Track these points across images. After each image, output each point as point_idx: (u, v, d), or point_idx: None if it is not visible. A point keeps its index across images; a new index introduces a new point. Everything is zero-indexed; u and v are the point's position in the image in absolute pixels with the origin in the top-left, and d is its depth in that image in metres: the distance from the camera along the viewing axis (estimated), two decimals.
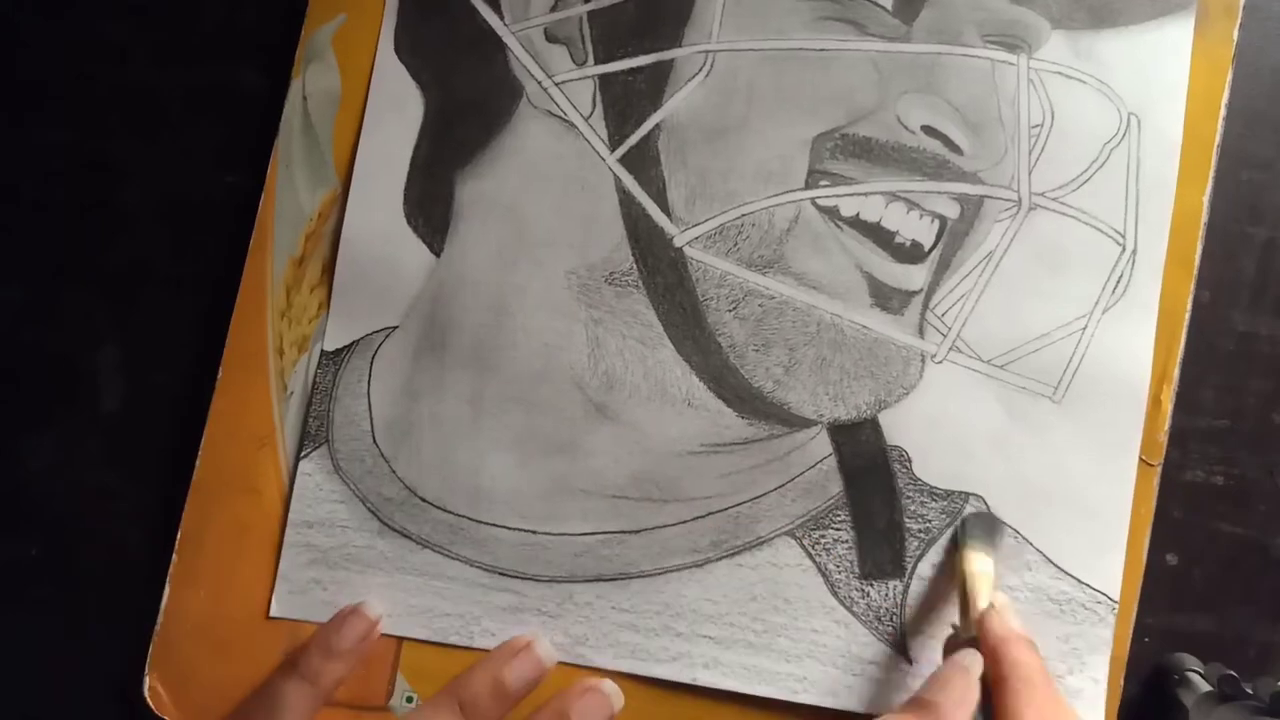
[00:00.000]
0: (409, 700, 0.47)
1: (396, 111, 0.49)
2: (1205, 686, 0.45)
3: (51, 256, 0.51)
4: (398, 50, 0.49)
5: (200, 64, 0.51)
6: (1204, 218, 0.48)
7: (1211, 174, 0.48)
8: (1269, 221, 0.50)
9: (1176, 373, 0.47)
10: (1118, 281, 0.48)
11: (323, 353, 0.49)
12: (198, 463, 0.48)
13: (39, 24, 0.52)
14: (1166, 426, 0.47)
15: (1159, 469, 0.47)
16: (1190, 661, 0.47)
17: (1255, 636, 0.48)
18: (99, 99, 0.52)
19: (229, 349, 0.49)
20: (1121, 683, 0.46)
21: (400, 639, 0.47)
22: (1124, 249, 0.48)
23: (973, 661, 0.41)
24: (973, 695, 0.40)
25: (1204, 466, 0.49)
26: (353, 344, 0.49)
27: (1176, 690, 0.46)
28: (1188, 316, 0.47)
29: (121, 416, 0.50)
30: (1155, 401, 0.47)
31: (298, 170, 0.49)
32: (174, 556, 0.48)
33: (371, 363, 0.49)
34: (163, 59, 0.51)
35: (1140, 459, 0.47)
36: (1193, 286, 0.47)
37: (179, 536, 0.48)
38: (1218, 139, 0.48)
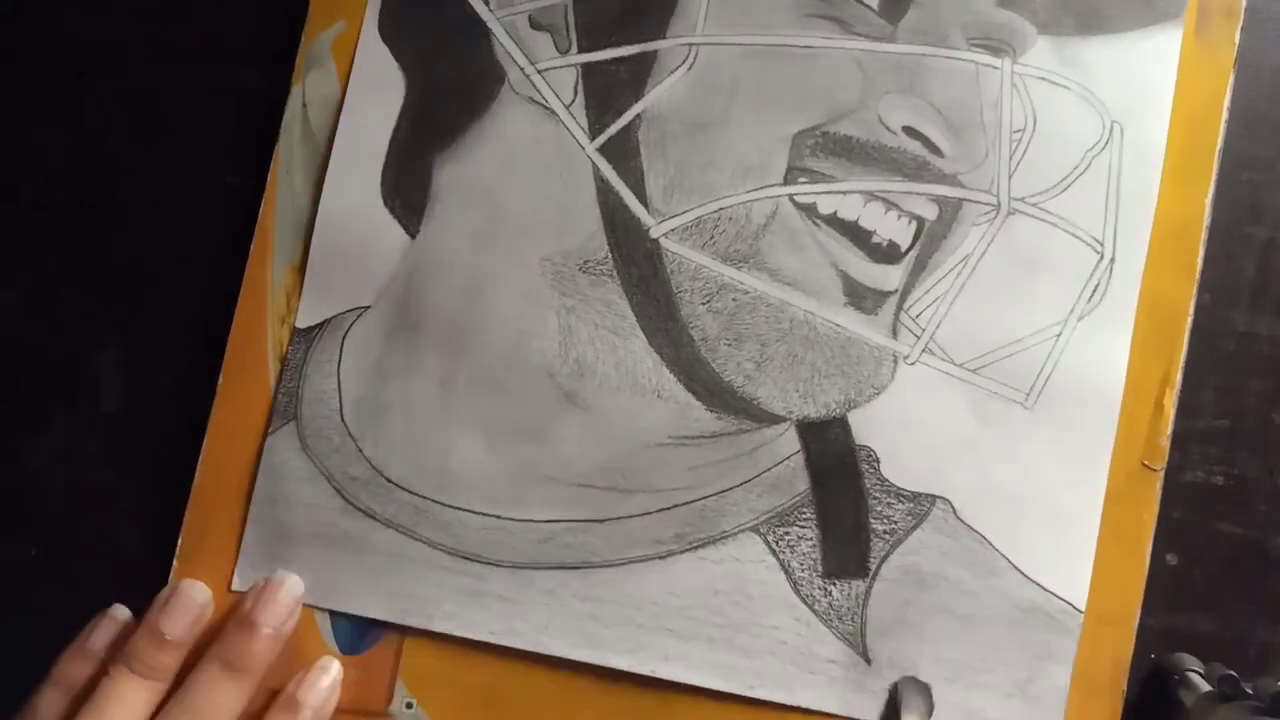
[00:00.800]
0: (409, 706, 0.47)
1: (378, 93, 0.49)
2: (1205, 686, 0.45)
3: (51, 256, 0.51)
4: (381, 32, 0.49)
5: (200, 64, 0.51)
6: (1206, 220, 0.47)
7: (1214, 177, 0.48)
8: (1269, 221, 0.49)
9: (1179, 377, 0.47)
10: (1094, 290, 0.47)
11: (294, 330, 0.49)
12: (198, 468, 0.48)
13: (39, 24, 0.52)
14: (1169, 431, 0.47)
15: (1161, 473, 0.46)
16: (1190, 661, 0.47)
17: (1255, 636, 0.48)
18: (99, 99, 0.52)
19: (229, 355, 0.49)
20: (1124, 687, 0.46)
21: (401, 643, 0.47)
22: (1102, 257, 0.47)
23: None
24: None
25: (1204, 467, 0.48)
26: (324, 322, 0.49)
27: (1177, 690, 0.46)
28: (1190, 321, 0.47)
29: (121, 416, 0.50)
30: (1157, 405, 0.47)
31: (298, 176, 0.49)
32: (174, 564, 0.48)
33: (342, 342, 0.49)
34: (163, 59, 0.52)
35: (1142, 463, 0.46)
36: (1195, 291, 0.47)
37: (179, 544, 0.48)
38: (1219, 142, 0.48)
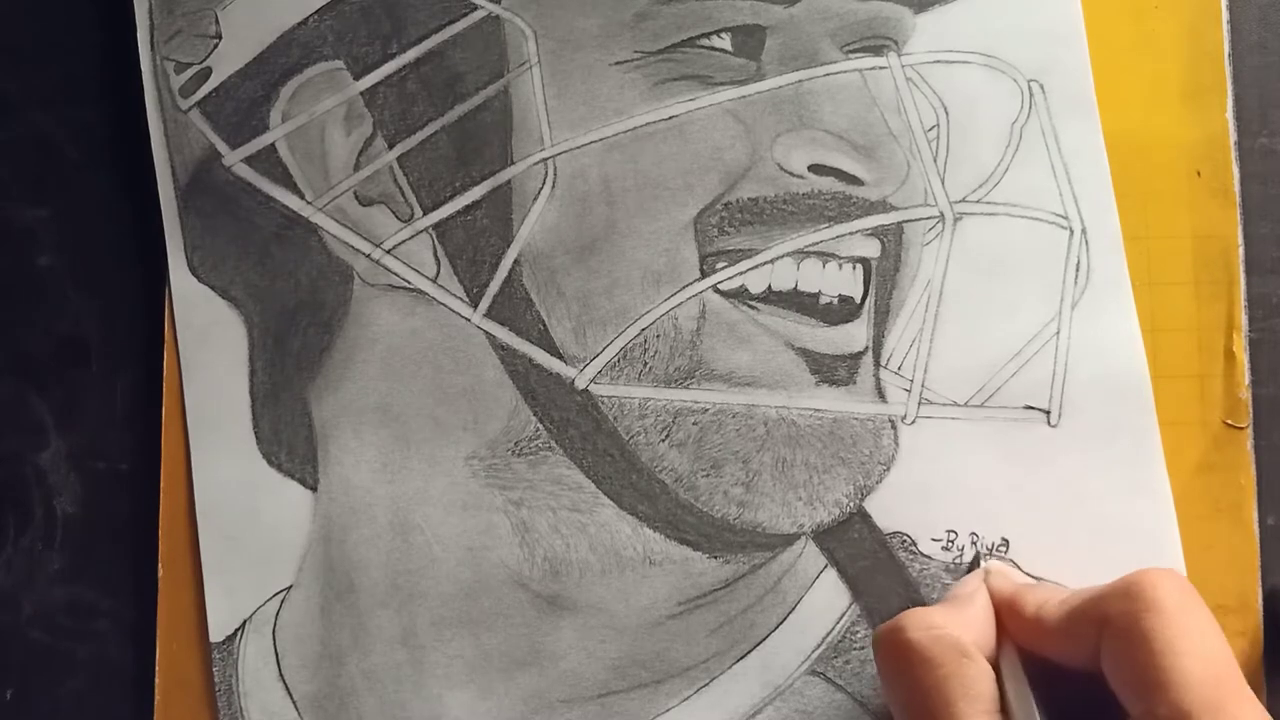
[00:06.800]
0: None
1: (215, 342, 0.43)
2: None
3: None
4: (195, 272, 0.43)
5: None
6: (1233, 138, 0.42)
7: (1230, 88, 0.42)
8: None
9: (1244, 318, 0.41)
10: (1076, 269, 0.42)
11: (212, 646, 0.41)
12: None
13: None
14: (1246, 381, 0.41)
15: (1249, 431, 0.41)
16: None
17: None
18: None
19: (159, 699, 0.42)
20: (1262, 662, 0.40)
21: None
22: (1072, 232, 0.42)
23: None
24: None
25: None
26: (244, 624, 0.42)
27: None
28: (1241, 252, 0.41)
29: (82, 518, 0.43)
30: (1228, 355, 0.41)
31: None
32: None
33: (274, 638, 0.42)
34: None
35: (1225, 423, 0.41)
36: (1239, 215, 0.41)
37: None
38: (1226, 48, 0.42)
